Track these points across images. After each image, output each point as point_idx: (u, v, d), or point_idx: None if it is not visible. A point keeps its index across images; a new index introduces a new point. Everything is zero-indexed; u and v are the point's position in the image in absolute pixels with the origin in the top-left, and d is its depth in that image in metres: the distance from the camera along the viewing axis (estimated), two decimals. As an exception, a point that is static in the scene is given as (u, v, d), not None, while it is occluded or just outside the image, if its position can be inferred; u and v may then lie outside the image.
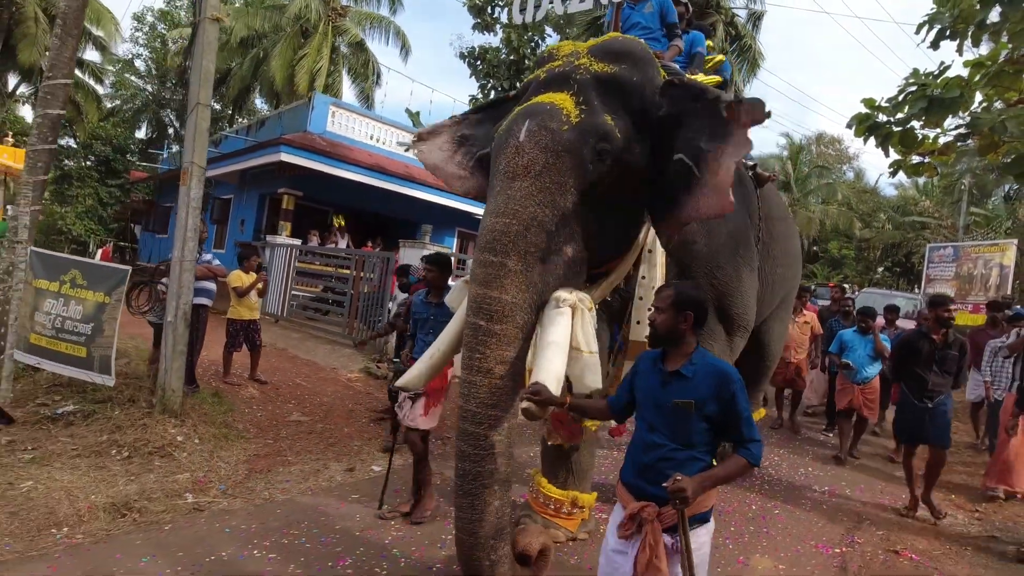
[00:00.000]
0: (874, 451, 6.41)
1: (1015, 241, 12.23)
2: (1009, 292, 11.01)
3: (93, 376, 4.62)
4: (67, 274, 4.80)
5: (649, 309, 2.42)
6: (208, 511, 3.55)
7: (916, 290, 17.83)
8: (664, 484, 1.87)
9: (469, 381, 2.30)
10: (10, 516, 3.20)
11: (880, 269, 28.11)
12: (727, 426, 2.03)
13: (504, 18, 14.65)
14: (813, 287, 12.69)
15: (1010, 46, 4.62)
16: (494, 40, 15.20)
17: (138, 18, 30.34)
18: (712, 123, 2.56)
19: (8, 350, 4.85)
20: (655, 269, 3.03)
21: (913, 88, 5.01)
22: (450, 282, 3.58)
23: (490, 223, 2.40)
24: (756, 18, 14.17)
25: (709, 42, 4.75)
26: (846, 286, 16.67)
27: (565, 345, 2.34)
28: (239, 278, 6.24)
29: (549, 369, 2.25)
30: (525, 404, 2.15)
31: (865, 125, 5.31)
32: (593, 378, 2.42)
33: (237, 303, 6.27)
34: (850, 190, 27.62)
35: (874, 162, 64.97)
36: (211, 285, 5.51)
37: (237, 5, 25.07)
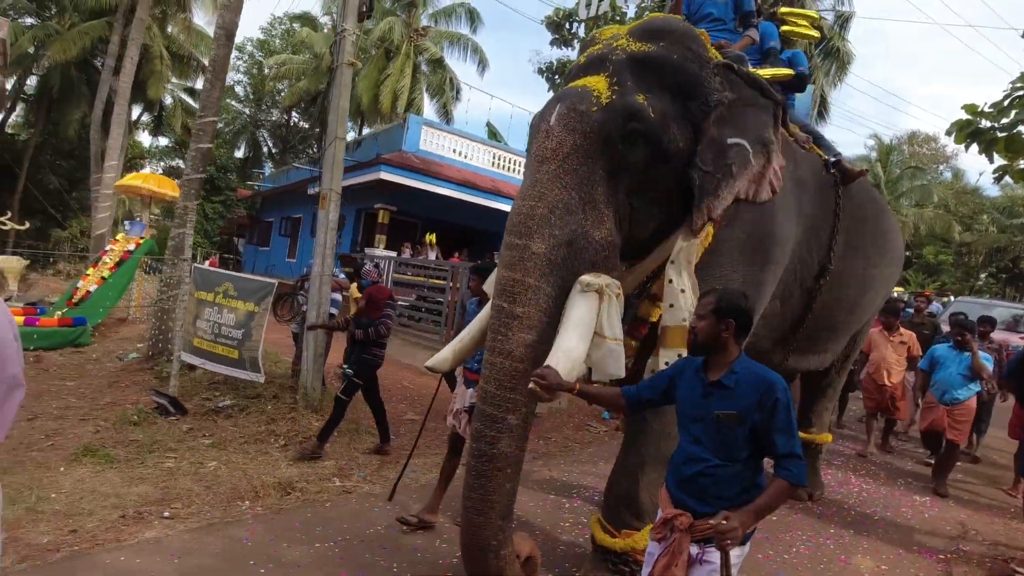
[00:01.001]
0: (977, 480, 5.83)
1: None
2: None
3: (247, 374, 5.37)
4: (221, 286, 5.60)
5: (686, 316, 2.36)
6: (355, 493, 4.12)
7: (1025, 298, 16.61)
8: (711, 522, 1.78)
9: (490, 363, 2.30)
10: (206, 489, 3.89)
11: (983, 275, 26.17)
12: (767, 440, 1.88)
13: (582, 33, 15.07)
14: (907, 297, 11.97)
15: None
16: (572, 55, 15.65)
17: (239, 48, 32.93)
18: (764, 121, 2.68)
19: (176, 351, 5.71)
20: (691, 251, 2.71)
21: (1021, 93, 4.98)
22: None
23: (517, 206, 2.42)
24: (844, 20, 13.83)
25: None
26: (930, 294, 15.10)
27: (587, 329, 2.28)
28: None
29: (566, 351, 2.20)
30: (531, 385, 2.08)
31: (966, 132, 5.30)
32: (615, 366, 2.36)
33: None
34: (948, 191, 25.96)
35: (973, 162, 60.24)
36: (338, 296, 6.21)
37: (326, 32, 26.82)
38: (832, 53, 13.65)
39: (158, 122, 26.81)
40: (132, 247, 9.70)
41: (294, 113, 33.25)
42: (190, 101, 25.14)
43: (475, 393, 3.28)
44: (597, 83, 2.51)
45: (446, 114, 24.18)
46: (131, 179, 10.69)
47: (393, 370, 8.26)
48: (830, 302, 3.78)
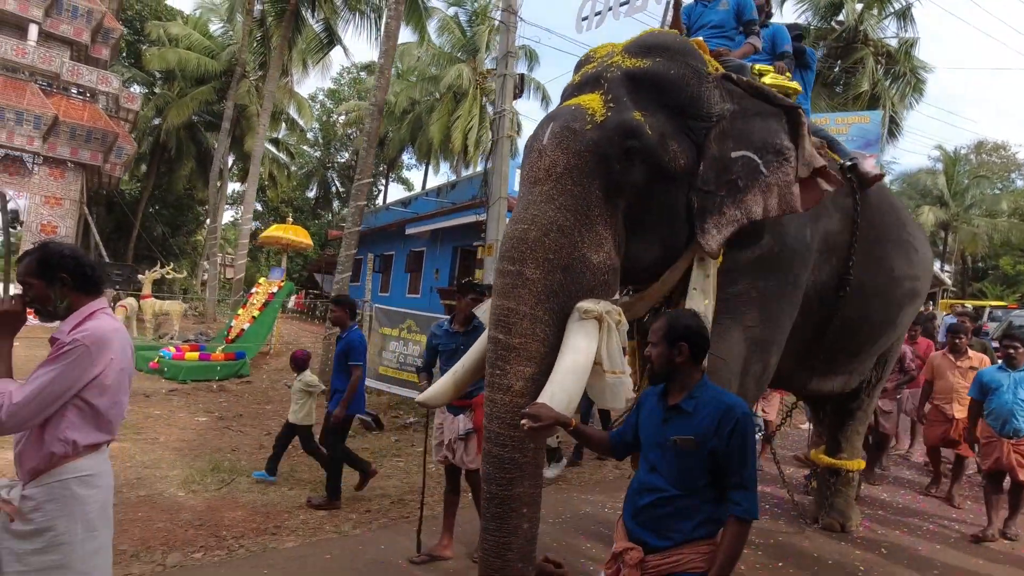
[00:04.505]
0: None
1: None
2: None
3: (428, 396, 6.42)
4: (404, 323, 6.70)
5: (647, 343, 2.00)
6: (554, 486, 4.99)
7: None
8: None
9: (491, 400, 2.18)
10: (436, 484, 4.87)
11: (1067, 284, 25.32)
12: (721, 465, 1.73)
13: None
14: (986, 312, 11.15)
15: None
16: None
17: (312, 97, 35.50)
18: (773, 128, 2.54)
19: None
20: (708, 280, 2.56)
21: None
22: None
23: (510, 230, 2.30)
24: (909, 45, 14.34)
25: None
26: (967, 306, 12.64)
27: (584, 360, 2.13)
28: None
29: (561, 385, 2.07)
30: (523, 423, 1.90)
31: None
32: (615, 399, 2.26)
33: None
34: (1022, 199, 25.41)
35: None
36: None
37: (397, 77, 28.84)
38: (900, 77, 14.16)
39: (245, 171, 29.35)
40: (275, 289, 11.09)
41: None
42: (273, 149, 27.52)
43: (467, 420, 3.29)
44: (591, 101, 2.41)
45: (513, 151, 25.51)
46: (273, 231, 12.19)
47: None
48: (852, 318, 3.49)
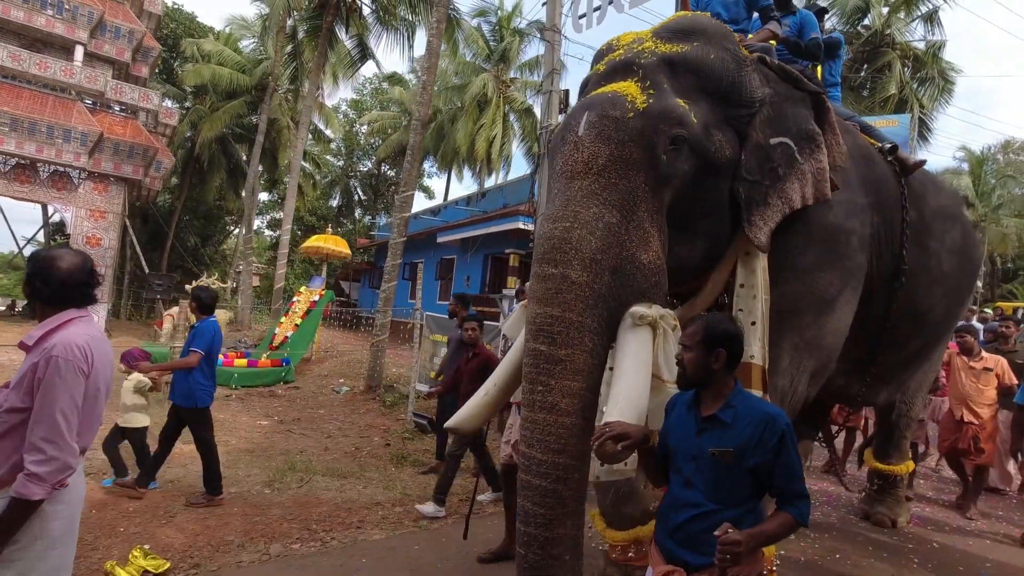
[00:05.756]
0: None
1: None
2: None
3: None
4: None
5: (679, 345, 1.90)
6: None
7: None
8: (716, 532, 1.56)
9: (532, 420, 1.92)
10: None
11: (1102, 285, 24.88)
12: (772, 479, 1.68)
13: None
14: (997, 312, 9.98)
15: None
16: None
17: (334, 107, 36.19)
18: (803, 114, 2.48)
19: (413, 382, 7.12)
20: (755, 275, 2.42)
21: None
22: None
23: (547, 230, 2.07)
24: (937, 48, 14.36)
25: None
26: (988, 309, 11.90)
27: (646, 370, 1.95)
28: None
29: (628, 399, 1.87)
30: (607, 446, 1.71)
31: None
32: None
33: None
34: (1052, 198, 25.06)
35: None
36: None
37: (414, 88, 29.33)
38: (928, 80, 14.18)
39: (272, 182, 30.05)
40: (316, 298, 11.47)
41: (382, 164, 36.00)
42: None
43: None
44: (628, 88, 2.22)
45: (534, 158, 25.83)
46: (314, 241, 12.62)
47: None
48: (901, 316, 3.28)
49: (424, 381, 7.06)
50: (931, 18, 13.97)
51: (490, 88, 23.35)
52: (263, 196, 34.48)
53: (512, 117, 25.97)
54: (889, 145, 3.35)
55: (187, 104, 25.32)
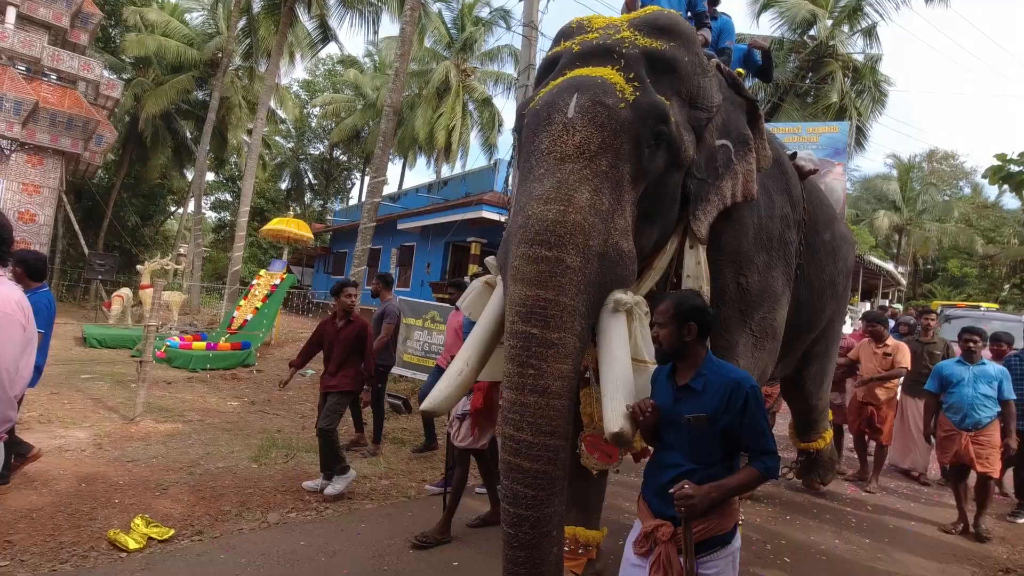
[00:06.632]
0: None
1: None
2: None
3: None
4: (427, 314, 7.13)
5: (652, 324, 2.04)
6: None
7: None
8: (671, 490, 1.75)
9: (521, 403, 1.93)
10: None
11: (1007, 287, 27.33)
12: (740, 438, 1.85)
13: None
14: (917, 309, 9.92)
15: None
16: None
17: (286, 88, 35.08)
18: (742, 119, 2.72)
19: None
20: (700, 266, 2.56)
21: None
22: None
23: (538, 211, 2.04)
24: (874, 61, 15.41)
25: None
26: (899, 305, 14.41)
27: (629, 354, 2.07)
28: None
29: (624, 381, 1.99)
30: (626, 425, 1.88)
31: (999, 175, 7.28)
32: (646, 391, 2.11)
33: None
34: (968, 206, 27.27)
35: (988, 170, 61.57)
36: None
37: (374, 71, 28.85)
38: (865, 90, 15.22)
39: (219, 161, 28.92)
40: (277, 282, 11.30)
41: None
42: (248, 140, 27.20)
43: (466, 400, 3.34)
44: (612, 76, 2.27)
45: (490, 147, 25.98)
46: (275, 224, 12.33)
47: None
48: (799, 301, 3.51)
49: (400, 364, 7.19)
50: (870, 32, 15.00)
51: (452, 77, 23.26)
52: (209, 176, 33.15)
53: (471, 107, 25.96)
54: (791, 152, 3.67)
55: (125, 75, 24.02)
